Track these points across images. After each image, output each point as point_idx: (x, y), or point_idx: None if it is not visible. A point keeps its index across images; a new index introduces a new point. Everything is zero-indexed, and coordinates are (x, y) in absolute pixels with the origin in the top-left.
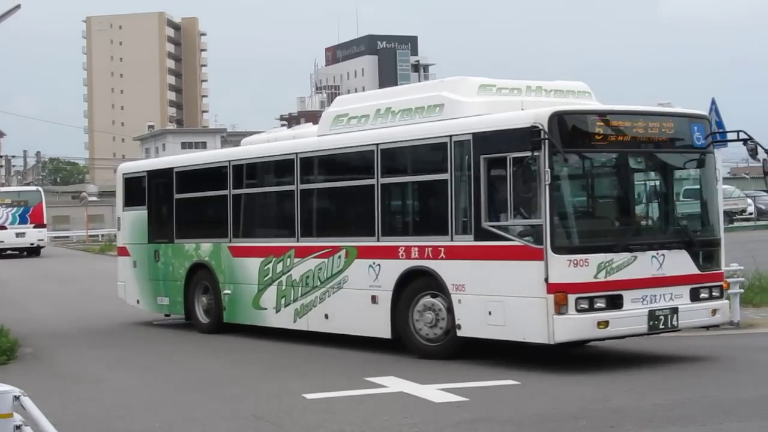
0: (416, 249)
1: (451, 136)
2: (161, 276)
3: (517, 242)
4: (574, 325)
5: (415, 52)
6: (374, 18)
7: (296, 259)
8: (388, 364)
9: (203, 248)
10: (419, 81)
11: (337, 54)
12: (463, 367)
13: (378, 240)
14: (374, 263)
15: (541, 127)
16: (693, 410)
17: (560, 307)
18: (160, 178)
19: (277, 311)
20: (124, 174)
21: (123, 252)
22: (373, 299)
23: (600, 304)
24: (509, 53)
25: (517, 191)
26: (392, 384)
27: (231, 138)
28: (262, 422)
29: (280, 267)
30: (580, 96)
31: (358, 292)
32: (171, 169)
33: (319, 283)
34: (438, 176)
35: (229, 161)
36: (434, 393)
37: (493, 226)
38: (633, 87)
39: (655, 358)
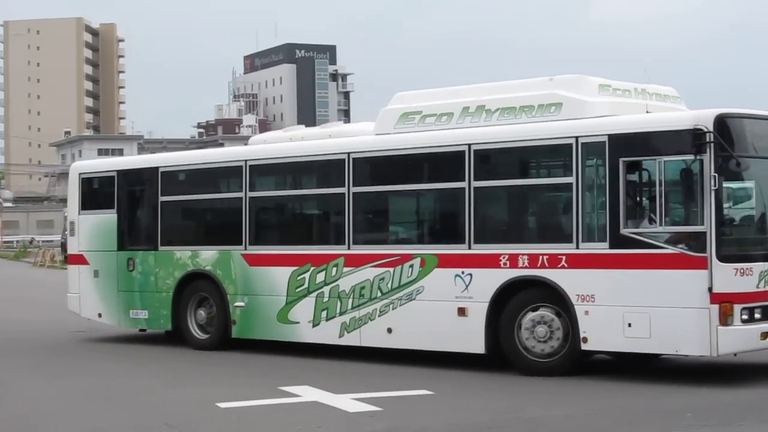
0: (525, 257)
1: (577, 137)
2: (137, 287)
3: (671, 250)
4: (739, 337)
5: (333, 61)
6: (293, 27)
7: (346, 269)
8: (301, 373)
9: (203, 256)
10: (337, 90)
11: (255, 62)
12: (377, 377)
13: (469, 248)
14: (463, 272)
15: (706, 130)
16: (604, 421)
17: (726, 318)
18: (138, 178)
19: (315, 325)
20: (81, 174)
21: (78, 260)
22: (461, 311)
23: (758, 314)
24: (428, 63)
25: (671, 196)
26: (306, 393)
27: (148, 145)
28: (174, 431)
29: (321, 277)
30: (674, 101)
31: (438, 304)
32: (155, 168)
33: (379, 295)
34: (558, 180)
35: (246, 161)
36: (348, 402)
37: (635, 233)
38: None
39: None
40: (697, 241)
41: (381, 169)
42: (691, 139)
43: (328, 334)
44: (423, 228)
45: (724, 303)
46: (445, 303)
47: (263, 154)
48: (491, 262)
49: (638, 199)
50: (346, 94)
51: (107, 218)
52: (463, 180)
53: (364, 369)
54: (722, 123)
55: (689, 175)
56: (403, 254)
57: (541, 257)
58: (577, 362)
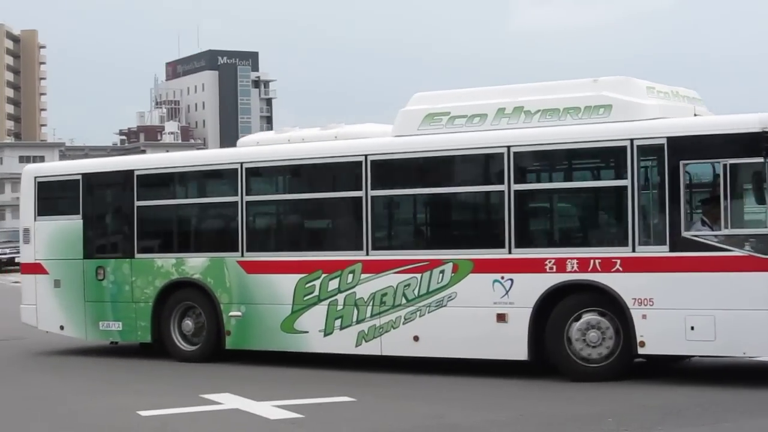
0: (575, 261)
1: (632, 139)
2: (109, 297)
3: (738, 252)
4: None
5: (256, 68)
6: (216, 33)
7: (364, 275)
8: (222, 380)
9: (190, 264)
10: (259, 97)
11: (177, 69)
12: (299, 384)
13: (510, 252)
14: (502, 278)
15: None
16: (525, 426)
17: None
18: (108, 182)
19: (327, 334)
20: (37, 177)
21: (34, 269)
22: (500, 317)
23: None
24: (350, 71)
25: (736, 199)
26: (227, 401)
27: (69, 152)
28: None
29: (334, 284)
30: (702, 104)
31: (473, 311)
32: (129, 171)
33: (404, 302)
34: (610, 182)
35: (241, 163)
36: (269, 410)
37: (698, 236)
38: None
39: (491, 375)
40: (765, 244)
41: (405, 172)
42: (760, 142)
43: (342, 343)
44: (455, 233)
45: None
46: (481, 309)
47: (263, 156)
48: (535, 266)
49: (700, 201)
50: (269, 101)
51: (70, 225)
52: (503, 183)
53: (286, 375)
54: None
55: (757, 177)
56: (432, 260)
57: (592, 261)
58: (628, 366)
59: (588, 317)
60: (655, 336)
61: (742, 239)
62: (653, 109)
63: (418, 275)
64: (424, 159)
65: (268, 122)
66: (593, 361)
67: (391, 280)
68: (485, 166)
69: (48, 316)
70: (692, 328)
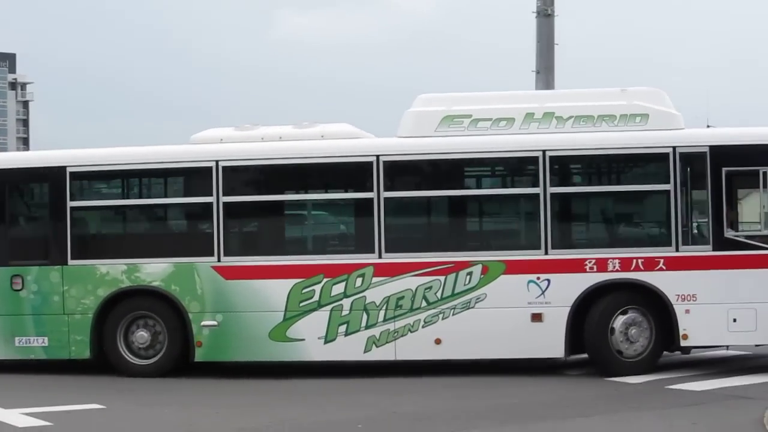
0: (617, 261)
1: (675, 146)
2: (29, 310)
3: None
4: None
5: (13, 69)
6: None
7: (375, 279)
8: None
9: (147, 270)
10: (16, 99)
11: None
12: (49, 391)
13: (546, 253)
14: (538, 278)
15: None
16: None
17: None
18: (28, 179)
19: (328, 341)
20: None
21: None
22: (535, 317)
23: None
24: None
25: None
26: None
27: None
28: None
29: (339, 288)
30: None
31: (505, 311)
32: (60, 168)
33: (424, 305)
34: (653, 186)
35: (217, 161)
36: (17, 417)
37: (740, 236)
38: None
39: (267, 377)
40: None
41: (425, 173)
42: None
43: (348, 350)
44: (485, 234)
45: None
46: (514, 310)
47: (246, 155)
48: (574, 267)
49: (741, 206)
50: (26, 104)
51: None
52: (538, 186)
53: (37, 382)
54: None
55: None
56: (458, 262)
57: (635, 260)
58: (657, 361)
59: (630, 315)
60: (698, 329)
61: None
62: (682, 120)
63: (442, 278)
64: (448, 160)
65: (24, 125)
66: (633, 356)
67: (408, 283)
68: (518, 169)
69: None
70: (734, 320)
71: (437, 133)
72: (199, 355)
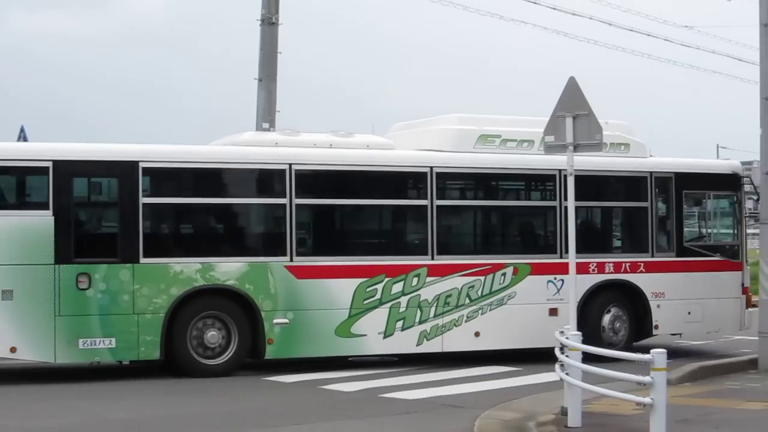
0: (611, 264)
1: (651, 172)
2: (95, 309)
3: (719, 258)
4: (752, 317)
5: None
6: None
7: (429, 278)
8: None
9: (222, 269)
10: None
11: None
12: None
13: (561, 257)
14: (555, 278)
15: (740, 174)
16: None
17: (749, 304)
18: (98, 173)
19: (387, 336)
20: None
21: None
22: (552, 312)
23: None
24: None
25: (717, 220)
26: None
27: None
28: None
29: (398, 287)
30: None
31: (529, 307)
32: (132, 163)
33: (468, 302)
34: (636, 203)
35: (290, 164)
36: None
37: (694, 246)
38: None
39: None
40: (734, 252)
41: (469, 185)
42: (732, 181)
43: (403, 343)
44: (515, 240)
45: (748, 294)
46: (536, 306)
47: (315, 159)
48: (582, 269)
49: (694, 220)
50: None
51: (32, 221)
52: (555, 200)
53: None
54: (742, 171)
55: (730, 205)
56: (495, 263)
57: (624, 264)
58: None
59: (615, 310)
60: (665, 320)
61: (721, 248)
62: (647, 149)
63: (482, 278)
64: (488, 174)
65: None
66: (613, 344)
67: (456, 282)
68: (539, 184)
69: None
70: (689, 313)
71: (475, 150)
72: (270, 353)
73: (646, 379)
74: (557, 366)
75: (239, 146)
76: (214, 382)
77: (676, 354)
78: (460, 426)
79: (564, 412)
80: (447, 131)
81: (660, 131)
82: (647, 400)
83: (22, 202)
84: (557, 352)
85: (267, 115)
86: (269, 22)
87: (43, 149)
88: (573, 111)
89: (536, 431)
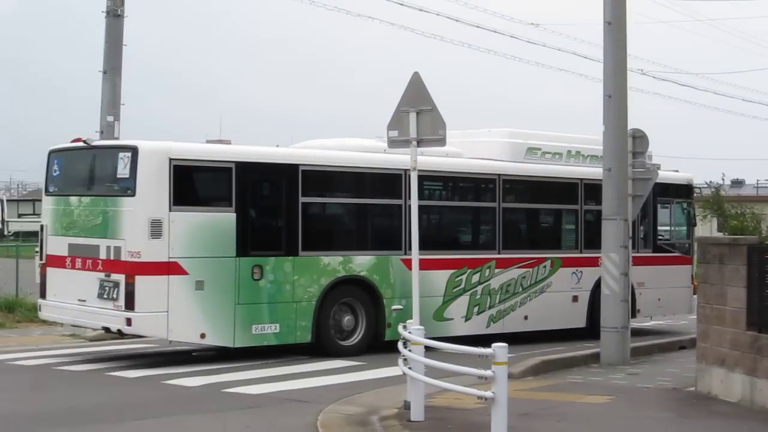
0: None
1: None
2: (265, 298)
3: (678, 254)
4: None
5: None
6: None
7: (497, 270)
8: None
9: (357, 261)
10: None
11: None
12: None
13: (581, 252)
14: (577, 270)
15: (693, 185)
16: None
17: (694, 292)
18: (268, 174)
19: (467, 320)
20: (172, 159)
21: (167, 269)
22: (574, 299)
23: None
24: None
25: (677, 223)
26: None
27: None
28: None
29: (476, 278)
30: None
31: (560, 294)
32: (294, 165)
33: (521, 290)
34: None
35: (405, 171)
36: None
37: (663, 244)
38: None
39: None
40: (687, 248)
41: (525, 191)
42: (687, 190)
43: (477, 326)
44: (551, 237)
45: (694, 283)
46: (564, 293)
47: (421, 166)
48: (594, 262)
49: (661, 223)
50: None
51: (219, 218)
52: (577, 204)
53: None
54: (693, 182)
55: (683, 210)
56: (538, 257)
57: None
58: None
59: None
60: (644, 306)
61: (679, 246)
62: None
63: (531, 269)
64: (538, 182)
65: None
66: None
67: (514, 273)
68: (568, 191)
69: (184, 324)
70: (659, 299)
71: (525, 160)
72: (388, 335)
73: (488, 373)
74: (400, 360)
75: (357, 152)
76: (53, 377)
77: (652, 333)
78: (304, 420)
79: (407, 406)
80: (502, 143)
81: (507, 127)
82: (488, 393)
83: (211, 200)
84: (400, 346)
85: (111, 108)
86: (114, 14)
87: (227, 151)
88: (417, 106)
89: (379, 425)
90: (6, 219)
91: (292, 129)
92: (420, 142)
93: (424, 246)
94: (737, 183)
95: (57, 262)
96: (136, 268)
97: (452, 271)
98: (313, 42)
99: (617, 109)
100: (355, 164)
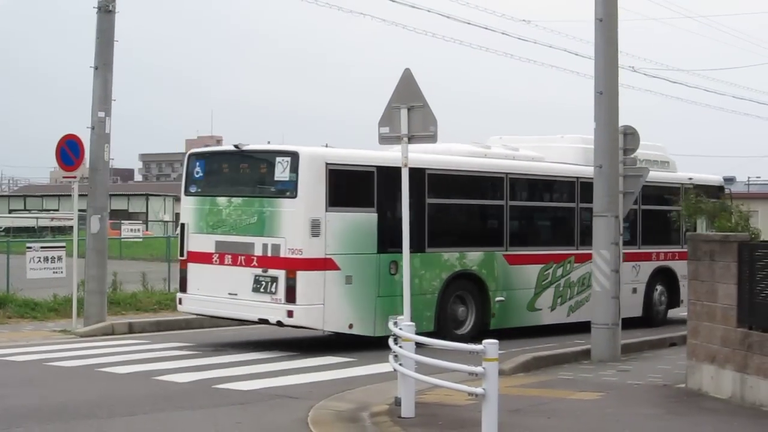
0: (662, 254)
1: (683, 184)
2: (400, 291)
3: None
4: None
5: None
6: None
7: (576, 264)
8: None
9: (470, 257)
10: None
11: None
12: None
13: (639, 248)
14: (636, 264)
15: (724, 185)
16: None
17: None
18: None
19: (552, 310)
20: (328, 164)
21: (323, 265)
22: (633, 290)
23: None
24: None
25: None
26: None
27: None
28: None
29: (560, 271)
30: None
31: (623, 287)
32: (421, 170)
33: (590, 283)
34: (671, 207)
35: (506, 174)
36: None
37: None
38: None
39: None
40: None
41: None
42: (719, 190)
43: (560, 315)
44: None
45: None
46: (626, 285)
47: (519, 171)
48: (649, 257)
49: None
50: None
51: (364, 217)
52: (636, 204)
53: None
54: (723, 183)
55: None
56: None
57: (668, 254)
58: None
59: (660, 288)
60: (685, 296)
61: None
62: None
63: (588, 264)
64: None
65: None
66: (660, 312)
67: (587, 268)
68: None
69: (336, 315)
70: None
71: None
72: (493, 324)
73: (478, 369)
74: (391, 356)
75: (466, 157)
76: (43, 373)
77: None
78: (294, 417)
79: (397, 402)
80: (575, 149)
81: (498, 124)
82: (479, 390)
83: (357, 201)
84: (391, 342)
85: (102, 104)
86: (106, 10)
87: (369, 156)
88: (408, 102)
89: (369, 421)
90: None
91: (284, 125)
92: (411, 139)
93: (520, 243)
94: (728, 180)
95: (201, 258)
96: (297, 264)
97: (542, 265)
98: (305, 38)
99: (608, 105)
100: (467, 168)
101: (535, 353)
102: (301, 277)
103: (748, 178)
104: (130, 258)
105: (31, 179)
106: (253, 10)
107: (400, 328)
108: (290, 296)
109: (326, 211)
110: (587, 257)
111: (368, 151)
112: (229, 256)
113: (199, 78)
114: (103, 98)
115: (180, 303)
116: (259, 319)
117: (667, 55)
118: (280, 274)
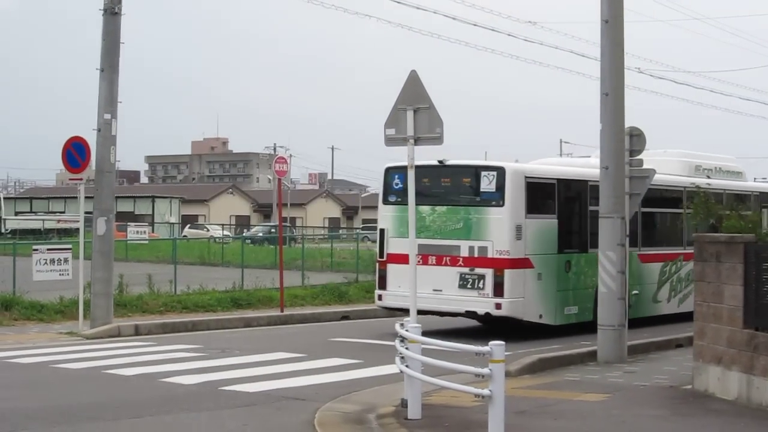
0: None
1: (752, 191)
2: (572, 286)
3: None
4: None
5: None
6: None
7: (683, 262)
8: None
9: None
10: None
11: None
12: None
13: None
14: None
15: None
16: None
17: None
18: (572, 188)
19: (668, 302)
20: (527, 177)
21: (523, 264)
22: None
23: None
24: None
25: None
26: None
27: None
28: None
29: (673, 269)
30: None
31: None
32: (585, 181)
33: (690, 278)
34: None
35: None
36: None
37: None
38: None
39: None
40: None
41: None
42: None
43: (672, 307)
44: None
45: None
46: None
47: (658, 182)
48: (691, 256)
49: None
50: None
51: (548, 222)
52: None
53: None
54: None
55: None
56: (686, 253)
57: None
58: None
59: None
60: None
61: None
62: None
63: (691, 262)
64: (714, 193)
65: None
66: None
67: (690, 265)
68: (722, 200)
69: (532, 307)
70: None
71: (694, 176)
72: (630, 314)
73: (485, 371)
74: (397, 358)
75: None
76: (49, 375)
77: None
78: (301, 418)
79: (404, 404)
80: (678, 162)
81: (503, 126)
82: (485, 391)
83: (544, 208)
84: (397, 343)
85: (108, 106)
86: (112, 12)
87: (551, 171)
88: (414, 104)
89: (376, 423)
90: (3, 217)
91: (288, 128)
92: (417, 140)
93: (647, 243)
94: None
95: (401, 259)
96: (504, 263)
97: (662, 263)
98: (310, 41)
99: (614, 107)
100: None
101: (541, 354)
102: (508, 274)
103: (755, 179)
104: (136, 260)
105: (38, 181)
106: (260, 14)
107: (407, 330)
108: (498, 291)
109: (525, 217)
110: (691, 256)
111: (550, 166)
112: (433, 257)
113: (204, 81)
114: (109, 100)
115: (380, 299)
116: (466, 312)
117: (674, 56)
118: (488, 272)
